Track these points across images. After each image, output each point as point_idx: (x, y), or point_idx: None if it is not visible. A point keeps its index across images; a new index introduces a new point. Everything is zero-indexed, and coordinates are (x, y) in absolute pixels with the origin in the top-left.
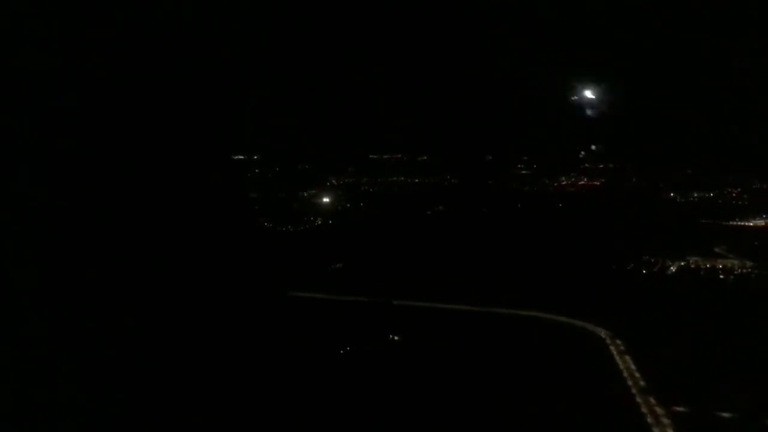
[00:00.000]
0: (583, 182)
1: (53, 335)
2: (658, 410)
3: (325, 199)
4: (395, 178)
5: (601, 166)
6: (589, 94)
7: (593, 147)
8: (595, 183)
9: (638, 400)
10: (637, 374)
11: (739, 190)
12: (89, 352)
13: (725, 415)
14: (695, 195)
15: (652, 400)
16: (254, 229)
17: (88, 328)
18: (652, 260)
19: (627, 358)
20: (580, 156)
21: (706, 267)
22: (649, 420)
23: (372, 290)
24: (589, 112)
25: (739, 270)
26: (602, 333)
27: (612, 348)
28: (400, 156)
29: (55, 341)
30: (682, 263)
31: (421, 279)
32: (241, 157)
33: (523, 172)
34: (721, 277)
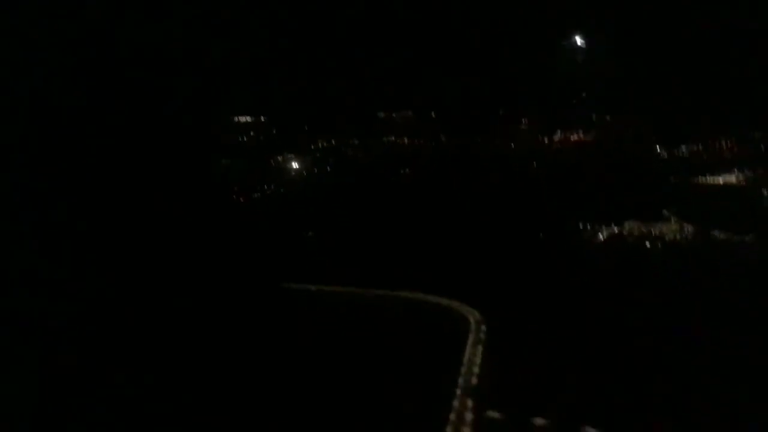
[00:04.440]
0: (575, 138)
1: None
2: (467, 415)
3: (294, 165)
4: (385, 139)
5: (608, 118)
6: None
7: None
8: (587, 139)
9: (454, 401)
10: (476, 369)
11: (733, 140)
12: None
13: (539, 421)
14: (683, 148)
15: (469, 402)
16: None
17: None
18: (588, 227)
19: (479, 348)
20: (583, 106)
21: (639, 234)
22: (448, 429)
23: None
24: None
25: (673, 236)
26: (471, 317)
27: (471, 335)
28: (410, 113)
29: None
30: (616, 230)
31: (330, 258)
32: (249, 119)
33: (522, 127)
34: (648, 245)
